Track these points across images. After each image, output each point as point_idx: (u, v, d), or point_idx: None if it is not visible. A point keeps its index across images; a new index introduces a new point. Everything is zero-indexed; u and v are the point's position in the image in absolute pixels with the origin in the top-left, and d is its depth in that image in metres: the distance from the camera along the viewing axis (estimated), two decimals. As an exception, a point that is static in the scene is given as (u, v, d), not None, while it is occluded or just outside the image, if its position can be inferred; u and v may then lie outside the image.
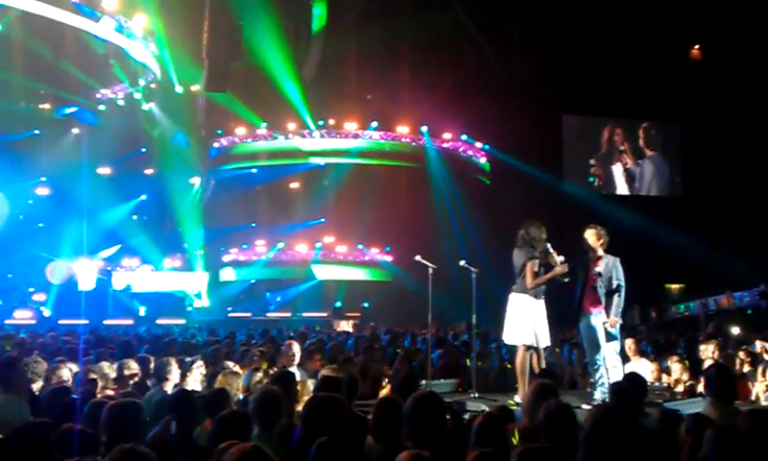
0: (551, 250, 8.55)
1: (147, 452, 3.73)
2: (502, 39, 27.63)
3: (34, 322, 20.28)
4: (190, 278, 26.42)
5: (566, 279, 8.57)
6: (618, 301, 8.52)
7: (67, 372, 6.76)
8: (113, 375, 7.36)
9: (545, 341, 8.61)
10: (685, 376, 9.14)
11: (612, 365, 8.42)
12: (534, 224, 8.73)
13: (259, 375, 7.65)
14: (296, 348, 8.87)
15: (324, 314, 24.76)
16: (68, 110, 24.47)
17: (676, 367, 9.32)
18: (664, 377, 9.58)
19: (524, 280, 8.52)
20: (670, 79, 26.90)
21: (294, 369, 8.45)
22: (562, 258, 8.53)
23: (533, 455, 3.73)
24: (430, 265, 9.51)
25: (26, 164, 24.65)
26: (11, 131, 23.89)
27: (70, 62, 21.47)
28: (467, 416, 6.51)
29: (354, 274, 28.21)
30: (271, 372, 7.81)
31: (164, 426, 5.08)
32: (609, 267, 8.54)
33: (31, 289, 23.17)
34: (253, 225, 28.82)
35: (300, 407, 6.40)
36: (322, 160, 27.81)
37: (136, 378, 7.48)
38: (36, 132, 24.60)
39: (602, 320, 8.46)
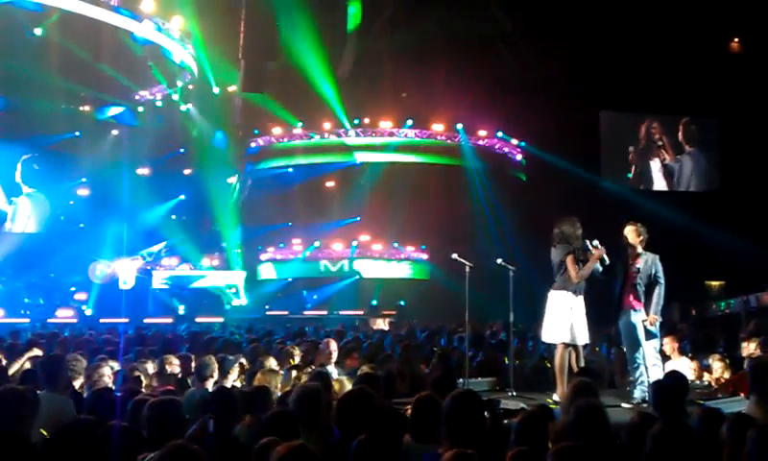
0: (590, 247, 8.51)
1: (197, 449, 3.79)
2: (537, 35, 27.41)
3: (75, 320, 20.60)
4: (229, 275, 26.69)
5: (607, 263, 8.52)
6: (658, 298, 8.47)
7: (108, 370, 6.87)
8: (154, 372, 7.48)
9: (584, 338, 8.56)
10: (727, 375, 9.02)
11: (651, 363, 8.36)
12: (567, 221, 8.71)
13: (296, 372, 7.71)
14: (333, 346, 8.89)
15: (361, 312, 24.84)
16: (110, 112, 24.77)
17: (717, 365, 9.20)
18: (705, 376, 9.46)
19: (563, 277, 8.50)
20: (709, 73, 26.50)
21: (331, 367, 8.50)
22: (596, 242, 8.48)
23: (569, 453, 3.73)
24: (467, 263, 9.51)
25: (67, 165, 25.06)
26: (52, 132, 24.29)
27: (109, 65, 21.74)
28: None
29: (399, 270, 28.29)
30: (308, 370, 7.87)
31: (201, 424, 5.14)
32: (648, 264, 8.49)
33: (72, 288, 23.54)
34: (290, 224, 28.98)
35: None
36: (361, 156, 27.93)
37: (177, 374, 7.57)
38: (77, 133, 24.96)
39: (642, 317, 8.40)
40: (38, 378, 6.39)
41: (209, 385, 6.85)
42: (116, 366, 7.50)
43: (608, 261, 8.55)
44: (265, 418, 4.93)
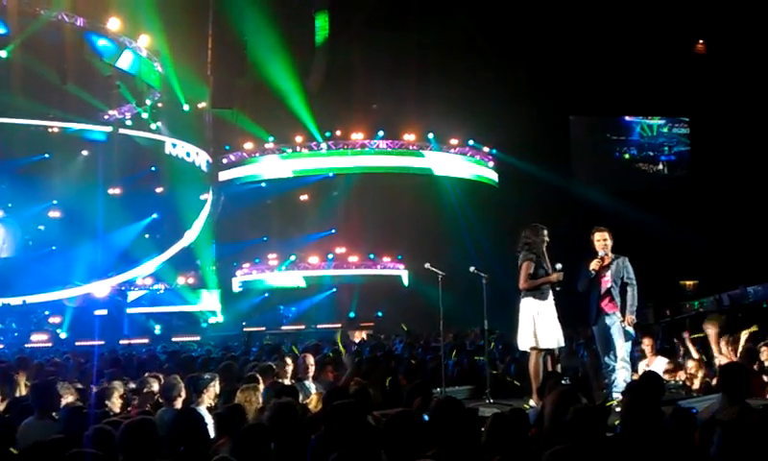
0: (555, 267, 8.55)
1: None
2: (506, 42, 27.57)
3: (50, 345, 20.36)
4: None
5: (558, 288, 8.57)
6: (632, 299, 8.53)
7: (74, 392, 6.80)
8: (125, 393, 7.42)
9: (554, 342, 8.54)
10: (701, 373, 9.08)
11: (620, 366, 8.37)
12: (530, 227, 8.77)
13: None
14: (310, 360, 8.86)
15: (338, 325, 24.72)
16: (76, 126, 24.50)
17: (691, 364, 9.27)
18: (680, 374, 9.51)
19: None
20: (676, 74, 26.78)
21: (309, 381, 8.49)
22: (559, 266, 8.53)
23: (563, 456, 3.73)
24: (439, 272, 9.53)
25: (38, 188, 24.80)
26: (21, 155, 24.06)
27: (77, 86, 21.63)
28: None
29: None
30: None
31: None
32: (619, 267, 8.55)
33: (46, 312, 23.26)
34: (265, 239, 28.86)
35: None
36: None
37: (155, 394, 7.50)
38: (47, 155, 24.73)
39: (617, 320, 8.44)
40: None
41: (178, 405, 6.78)
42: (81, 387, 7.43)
43: (558, 288, 8.59)
44: (236, 434, 4.87)
